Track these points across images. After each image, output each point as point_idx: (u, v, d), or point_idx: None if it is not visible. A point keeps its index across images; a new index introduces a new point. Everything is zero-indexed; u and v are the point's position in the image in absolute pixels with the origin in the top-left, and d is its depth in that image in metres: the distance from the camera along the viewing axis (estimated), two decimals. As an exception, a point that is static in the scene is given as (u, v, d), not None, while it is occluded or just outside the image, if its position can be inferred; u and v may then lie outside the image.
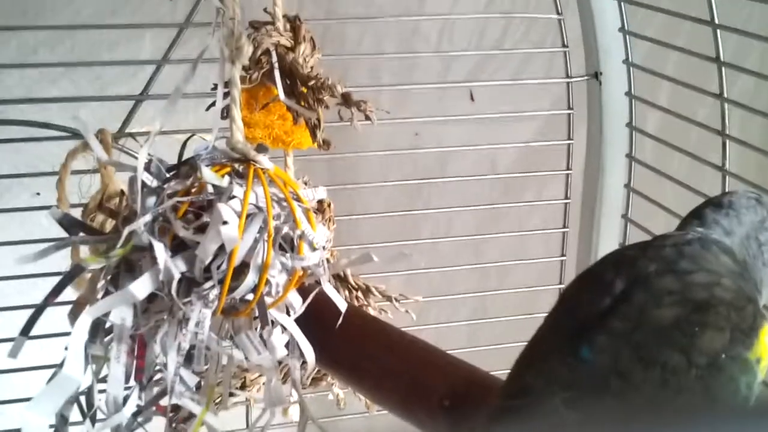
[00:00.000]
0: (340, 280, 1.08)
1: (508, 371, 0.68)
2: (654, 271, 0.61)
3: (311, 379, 1.13)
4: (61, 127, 1.16)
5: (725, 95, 1.10)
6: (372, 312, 1.08)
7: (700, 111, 1.26)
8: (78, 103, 1.29)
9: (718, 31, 1.09)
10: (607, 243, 1.32)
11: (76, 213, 1.00)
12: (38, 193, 1.33)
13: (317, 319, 0.83)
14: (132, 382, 0.75)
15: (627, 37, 1.28)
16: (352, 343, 0.93)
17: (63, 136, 1.17)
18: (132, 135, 1.13)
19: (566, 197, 1.36)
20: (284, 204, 0.80)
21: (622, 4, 1.27)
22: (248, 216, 0.76)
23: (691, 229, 0.67)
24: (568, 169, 1.36)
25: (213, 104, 0.96)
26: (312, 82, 1.03)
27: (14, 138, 1.19)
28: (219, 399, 0.86)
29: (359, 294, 1.08)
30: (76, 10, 1.35)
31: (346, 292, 1.08)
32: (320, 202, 1.13)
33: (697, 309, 0.59)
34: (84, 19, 1.35)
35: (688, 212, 0.71)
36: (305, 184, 1.02)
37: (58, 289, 0.74)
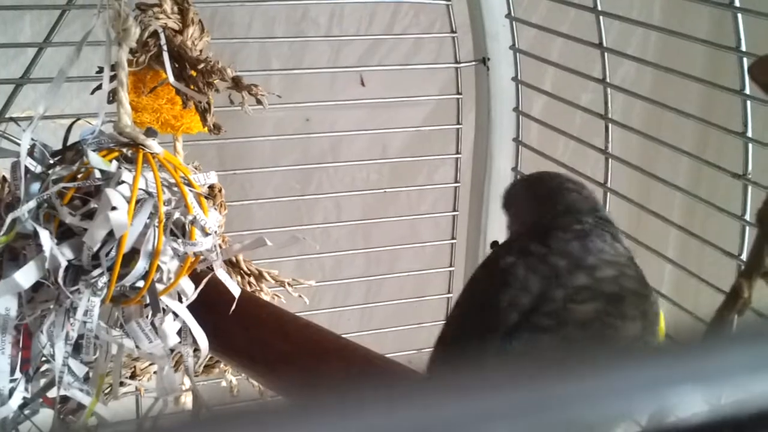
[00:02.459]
0: (233, 265, 1.07)
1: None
2: (565, 268, 0.64)
3: (204, 366, 1.11)
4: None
5: (608, 80, 1.13)
6: (265, 297, 1.07)
7: (583, 96, 1.30)
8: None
9: (601, 17, 1.12)
10: (496, 226, 1.34)
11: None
12: None
13: (210, 306, 0.82)
14: (18, 374, 0.73)
15: (513, 23, 1.30)
16: (245, 329, 0.92)
17: (-62, 121, 1.12)
18: (14, 119, 1.09)
19: (456, 181, 1.38)
20: (175, 189, 0.79)
21: (509, -10, 1.29)
22: (138, 201, 0.75)
23: (575, 218, 0.69)
24: (457, 153, 1.37)
25: (99, 87, 0.93)
26: (202, 66, 1.01)
27: None
28: (109, 389, 0.84)
29: (252, 279, 1.07)
30: (-50, -10, 1.29)
31: (239, 278, 1.07)
32: (211, 187, 1.11)
33: (611, 302, 0.62)
34: (-40, 0, 1.29)
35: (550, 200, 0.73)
36: (196, 169, 1.00)
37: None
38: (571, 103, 1.23)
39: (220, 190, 1.12)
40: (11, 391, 0.72)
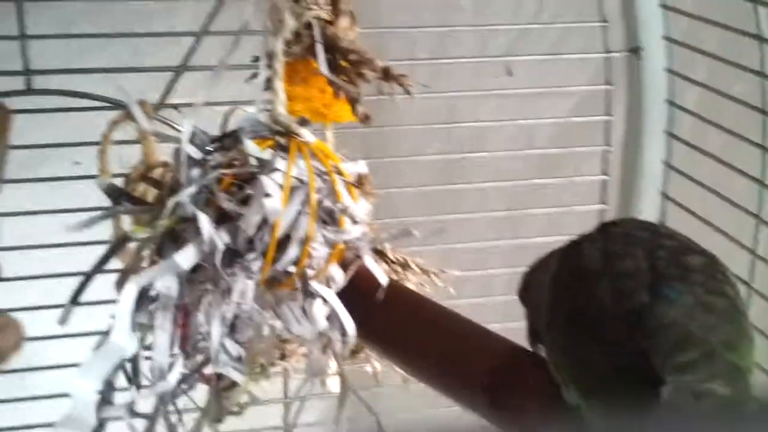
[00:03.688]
0: (379, 253, 1.08)
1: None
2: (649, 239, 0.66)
3: (350, 351, 1.14)
4: (101, 97, 1.17)
5: (765, 71, 1.09)
6: (410, 286, 1.08)
7: (739, 87, 1.25)
8: (116, 74, 1.30)
9: (759, 6, 1.08)
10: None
11: (117, 183, 1.01)
12: (78, 162, 1.35)
13: (358, 293, 0.83)
14: (176, 351, 0.76)
15: (667, 11, 1.27)
16: (391, 316, 0.93)
17: (103, 106, 1.17)
18: (174, 106, 1.14)
19: (604, 174, 1.35)
20: (326, 177, 0.81)
21: (663, -22, 1.26)
22: (291, 189, 0.77)
23: None
24: (606, 145, 1.35)
25: (254, 76, 0.96)
26: (353, 56, 1.03)
27: (54, 108, 1.20)
28: (260, 369, 0.87)
29: (398, 268, 1.08)
30: (114, -20, 1.35)
31: (385, 266, 1.08)
32: (359, 175, 1.13)
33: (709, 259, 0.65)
34: (123, -11, 1.36)
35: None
36: (344, 157, 1.02)
37: (105, 259, 0.75)
38: (726, 94, 1.19)
39: (367, 178, 1.14)
40: (170, 366, 0.75)
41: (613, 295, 0.63)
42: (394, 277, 1.08)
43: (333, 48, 1.07)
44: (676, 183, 1.31)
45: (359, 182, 1.13)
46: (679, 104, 1.29)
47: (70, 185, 1.31)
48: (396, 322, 0.94)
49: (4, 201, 1.23)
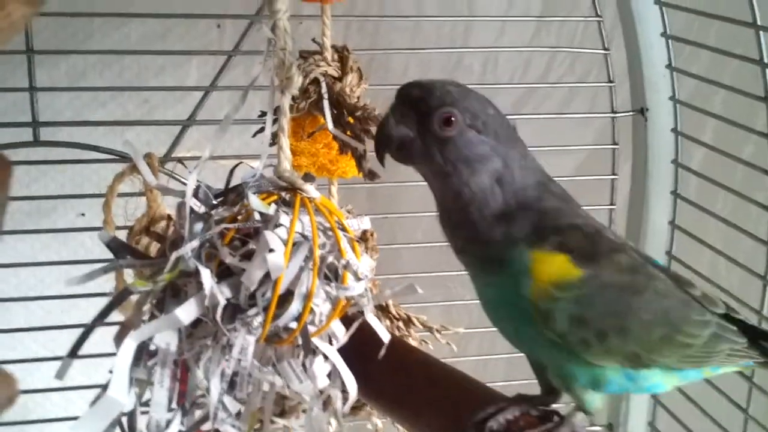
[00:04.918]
0: (382, 309, 1.08)
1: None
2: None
3: (351, 408, 1.12)
4: (108, 150, 1.18)
5: (772, 134, 1.09)
6: (412, 342, 1.07)
7: (746, 149, 1.25)
8: (125, 126, 1.31)
9: (767, 69, 1.08)
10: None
11: (121, 235, 1.01)
12: (83, 214, 1.35)
13: (359, 349, 0.82)
14: (174, 406, 0.76)
15: (674, 73, 1.28)
16: (393, 373, 0.92)
17: (109, 158, 1.18)
18: (180, 160, 1.14)
19: (609, 232, 1.35)
20: (330, 233, 0.80)
21: (670, 41, 1.27)
22: (294, 244, 0.76)
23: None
24: (611, 204, 1.35)
25: (260, 130, 0.97)
26: (359, 113, 1.04)
27: (62, 159, 1.21)
28: (259, 426, 0.86)
29: (401, 324, 1.08)
30: (125, 34, 1.37)
31: (388, 322, 1.07)
32: (363, 231, 1.13)
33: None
34: (133, 44, 1.37)
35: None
36: (349, 213, 1.02)
37: (105, 312, 0.75)
38: (733, 156, 1.19)
39: (372, 234, 1.14)
40: (168, 423, 0.74)
41: None
42: (396, 333, 1.07)
43: (339, 104, 1.07)
44: (682, 243, 1.31)
45: (362, 237, 1.13)
46: (685, 164, 1.29)
47: (74, 237, 1.31)
48: (397, 379, 0.93)
49: (6, 252, 1.23)
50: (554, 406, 0.84)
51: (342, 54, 1.12)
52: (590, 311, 0.76)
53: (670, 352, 0.80)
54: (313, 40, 1.11)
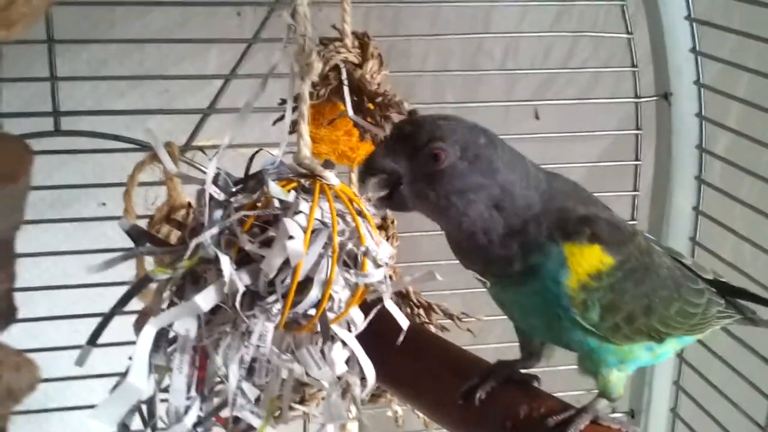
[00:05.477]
0: (403, 297, 1.08)
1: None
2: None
3: (371, 395, 1.12)
4: (129, 139, 1.18)
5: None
6: (433, 329, 1.07)
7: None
8: (145, 115, 1.31)
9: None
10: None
11: (142, 224, 1.01)
12: (104, 203, 1.35)
13: (380, 336, 0.82)
14: (193, 393, 0.75)
15: (698, 57, 1.26)
16: (413, 361, 0.92)
17: (130, 147, 1.18)
18: (200, 148, 1.14)
19: (633, 218, 1.34)
20: (349, 220, 0.80)
21: (694, 24, 1.25)
22: (313, 231, 0.76)
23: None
24: (635, 190, 1.34)
25: (281, 118, 0.96)
26: (379, 99, 1.03)
27: (83, 149, 1.21)
28: (278, 413, 0.85)
29: (421, 311, 1.07)
30: (145, 24, 1.37)
31: (408, 309, 1.07)
32: (384, 218, 1.13)
33: None
34: (153, 33, 1.37)
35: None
36: (368, 200, 1.01)
37: (125, 299, 0.75)
38: (759, 140, 1.17)
39: (392, 222, 1.13)
40: (186, 409, 0.74)
41: None
42: (417, 320, 1.07)
43: (360, 91, 1.07)
44: (707, 229, 1.29)
45: (382, 225, 1.12)
46: (709, 150, 1.28)
47: (95, 226, 1.32)
48: (417, 366, 0.93)
49: (29, 242, 1.23)
50: (572, 393, 0.86)
51: (362, 40, 1.11)
52: (622, 296, 0.80)
53: (682, 322, 0.85)
54: (333, 26, 1.11)
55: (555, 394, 0.85)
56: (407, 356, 0.94)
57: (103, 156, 1.25)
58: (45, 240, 1.27)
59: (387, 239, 1.12)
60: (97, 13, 1.34)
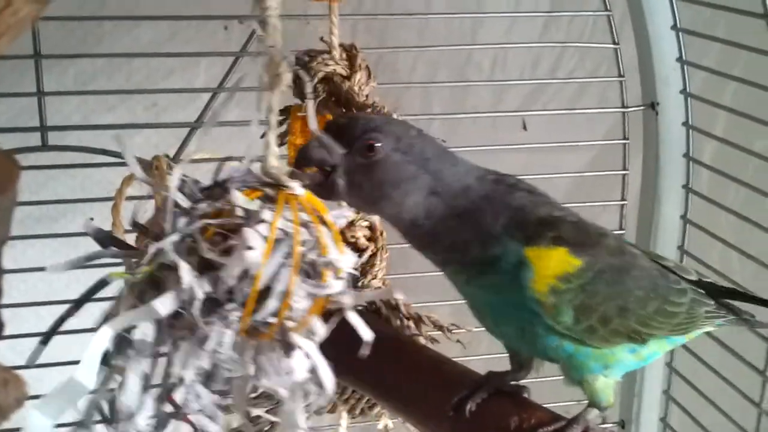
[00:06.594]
0: (392, 309, 1.07)
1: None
2: None
3: (362, 408, 1.12)
4: (117, 153, 1.18)
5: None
6: (423, 341, 1.06)
7: (758, 142, 1.23)
8: (134, 129, 1.32)
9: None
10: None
11: (132, 238, 1.01)
12: (92, 218, 1.36)
13: (376, 349, 0.81)
14: (146, 394, 0.76)
15: (685, 67, 1.26)
16: (403, 372, 0.94)
17: (119, 162, 1.19)
18: (191, 161, 1.15)
19: (621, 228, 1.34)
20: (313, 230, 0.80)
21: (680, 33, 1.25)
22: (276, 241, 0.76)
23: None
24: (622, 199, 1.33)
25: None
26: (368, 111, 1.04)
27: (71, 164, 1.22)
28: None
29: (411, 323, 1.07)
30: (134, 37, 1.38)
31: (398, 321, 1.07)
32: (373, 230, 1.12)
33: None
34: (142, 47, 1.38)
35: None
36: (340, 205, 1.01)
37: (80, 303, 0.76)
38: (745, 149, 1.17)
39: (381, 233, 1.13)
40: (138, 408, 0.74)
41: None
42: (407, 332, 1.07)
43: (348, 103, 1.08)
44: (695, 237, 1.29)
45: (372, 237, 1.12)
46: (696, 158, 1.27)
47: (83, 242, 1.32)
48: (408, 378, 0.93)
49: (16, 257, 1.24)
50: (563, 404, 0.86)
51: (350, 53, 1.13)
52: (593, 297, 0.79)
53: (663, 322, 0.84)
54: (321, 39, 1.12)
55: (545, 405, 0.86)
56: (397, 368, 0.94)
57: (90, 170, 1.26)
58: (32, 255, 1.28)
59: (376, 251, 1.12)
60: (85, 27, 1.35)
